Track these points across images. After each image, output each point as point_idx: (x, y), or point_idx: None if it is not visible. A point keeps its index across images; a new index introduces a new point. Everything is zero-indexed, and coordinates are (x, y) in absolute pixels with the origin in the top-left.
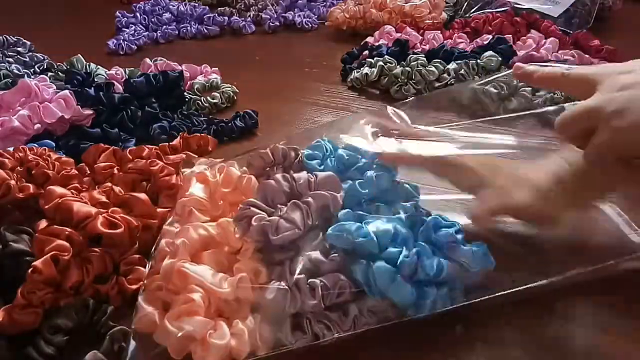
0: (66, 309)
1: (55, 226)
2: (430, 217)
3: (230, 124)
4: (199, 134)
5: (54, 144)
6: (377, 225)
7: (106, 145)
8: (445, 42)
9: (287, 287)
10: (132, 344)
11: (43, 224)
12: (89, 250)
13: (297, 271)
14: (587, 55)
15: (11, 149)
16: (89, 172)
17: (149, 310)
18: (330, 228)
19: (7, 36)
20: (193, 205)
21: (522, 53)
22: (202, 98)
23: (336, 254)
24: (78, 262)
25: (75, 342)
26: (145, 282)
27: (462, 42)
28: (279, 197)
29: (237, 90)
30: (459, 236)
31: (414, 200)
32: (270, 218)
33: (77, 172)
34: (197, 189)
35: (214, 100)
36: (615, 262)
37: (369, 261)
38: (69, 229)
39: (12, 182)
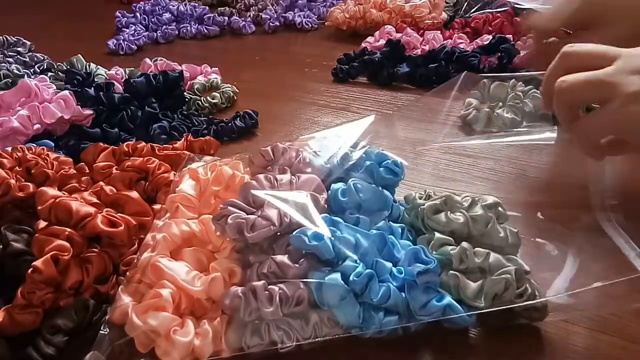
0: (66, 309)
1: (55, 226)
2: (412, 247)
3: (230, 124)
4: (202, 136)
5: (52, 144)
6: (339, 233)
7: (105, 145)
8: (445, 42)
9: (240, 295)
10: (105, 331)
11: (43, 224)
12: (88, 250)
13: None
14: None
15: (9, 148)
16: (88, 171)
17: (125, 302)
18: (295, 231)
19: (7, 36)
20: (180, 201)
21: (523, 53)
22: (202, 98)
23: (303, 260)
24: (78, 262)
25: (75, 342)
26: (128, 273)
27: (462, 42)
28: (260, 197)
29: (237, 90)
30: (423, 277)
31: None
32: (247, 216)
33: (75, 172)
34: (186, 186)
35: (214, 100)
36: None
37: (329, 271)
38: (69, 229)
39: (12, 181)
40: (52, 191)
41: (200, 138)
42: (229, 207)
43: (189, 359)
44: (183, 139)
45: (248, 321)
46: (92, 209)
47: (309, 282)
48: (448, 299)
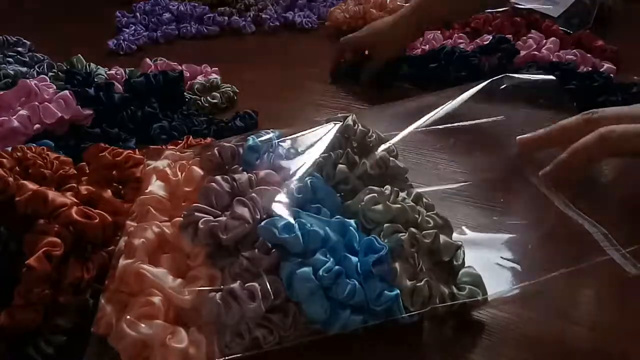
0: (66, 308)
1: (43, 223)
2: (367, 238)
3: (230, 124)
4: (202, 136)
5: (52, 144)
6: (307, 225)
7: (107, 145)
8: (445, 42)
9: (219, 300)
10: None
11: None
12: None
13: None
14: (589, 55)
15: (9, 148)
16: (88, 171)
17: (108, 311)
18: (263, 222)
19: (7, 36)
20: (151, 204)
21: (523, 53)
22: (202, 98)
23: (274, 250)
24: (77, 260)
25: (75, 342)
26: (106, 282)
27: (462, 42)
28: (223, 199)
29: (237, 90)
30: (377, 267)
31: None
32: (218, 219)
33: (75, 172)
34: (156, 187)
35: (214, 100)
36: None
37: (300, 263)
38: (57, 225)
39: (11, 179)
40: (32, 185)
41: (200, 139)
42: (195, 213)
43: None
44: (184, 140)
45: (230, 325)
46: (68, 200)
47: (281, 275)
48: (397, 291)
